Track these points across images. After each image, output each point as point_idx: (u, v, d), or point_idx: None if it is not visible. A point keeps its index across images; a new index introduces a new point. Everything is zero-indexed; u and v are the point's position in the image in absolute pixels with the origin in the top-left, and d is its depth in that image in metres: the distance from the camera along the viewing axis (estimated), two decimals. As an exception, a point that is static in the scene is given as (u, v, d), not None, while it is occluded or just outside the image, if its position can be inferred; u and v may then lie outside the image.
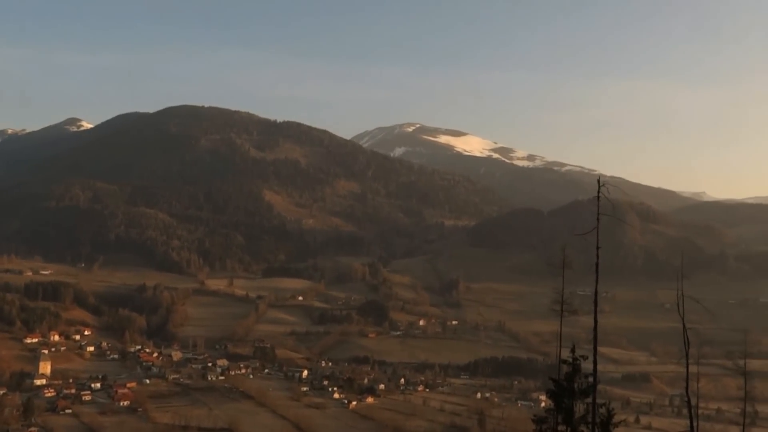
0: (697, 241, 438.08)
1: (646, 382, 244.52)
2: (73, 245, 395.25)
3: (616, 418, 19.96)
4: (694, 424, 19.97)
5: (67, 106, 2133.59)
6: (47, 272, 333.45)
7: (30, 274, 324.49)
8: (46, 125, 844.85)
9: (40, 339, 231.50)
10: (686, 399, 21.14)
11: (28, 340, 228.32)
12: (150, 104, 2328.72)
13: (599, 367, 20.34)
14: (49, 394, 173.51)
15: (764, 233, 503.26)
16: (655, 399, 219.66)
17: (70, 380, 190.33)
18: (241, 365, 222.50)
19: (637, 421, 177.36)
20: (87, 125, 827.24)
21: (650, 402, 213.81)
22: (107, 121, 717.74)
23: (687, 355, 20.39)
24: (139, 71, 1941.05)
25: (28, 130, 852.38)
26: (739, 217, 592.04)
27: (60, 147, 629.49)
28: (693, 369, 20.55)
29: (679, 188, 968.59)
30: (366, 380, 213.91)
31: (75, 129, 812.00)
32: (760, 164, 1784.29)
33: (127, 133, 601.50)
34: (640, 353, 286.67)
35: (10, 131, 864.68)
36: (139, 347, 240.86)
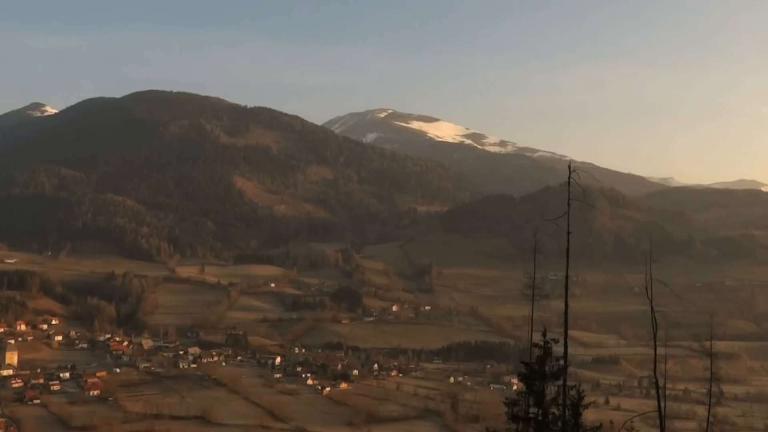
0: (665, 225, 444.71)
1: (615, 364, 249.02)
2: (39, 233, 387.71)
3: (586, 400, 20.20)
4: (662, 404, 20.26)
5: (30, 91, 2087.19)
6: (13, 261, 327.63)
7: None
8: (9, 110, 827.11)
9: (6, 329, 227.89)
10: (654, 380, 21.43)
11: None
12: (117, 89, 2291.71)
13: (570, 350, 20.52)
14: (17, 385, 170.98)
15: (730, 218, 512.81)
16: (624, 381, 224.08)
17: (38, 370, 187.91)
18: (214, 353, 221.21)
19: (607, 402, 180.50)
20: (51, 110, 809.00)
21: (619, 384, 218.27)
22: (72, 106, 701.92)
23: (655, 337, 20.61)
24: (105, 54, 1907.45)
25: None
26: (706, 202, 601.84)
27: (23, 133, 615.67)
28: (661, 351, 20.81)
29: (647, 174, 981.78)
30: (339, 366, 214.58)
31: (39, 114, 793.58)
32: (727, 150, 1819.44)
33: (94, 118, 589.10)
34: (609, 336, 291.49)
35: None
36: (109, 336, 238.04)
